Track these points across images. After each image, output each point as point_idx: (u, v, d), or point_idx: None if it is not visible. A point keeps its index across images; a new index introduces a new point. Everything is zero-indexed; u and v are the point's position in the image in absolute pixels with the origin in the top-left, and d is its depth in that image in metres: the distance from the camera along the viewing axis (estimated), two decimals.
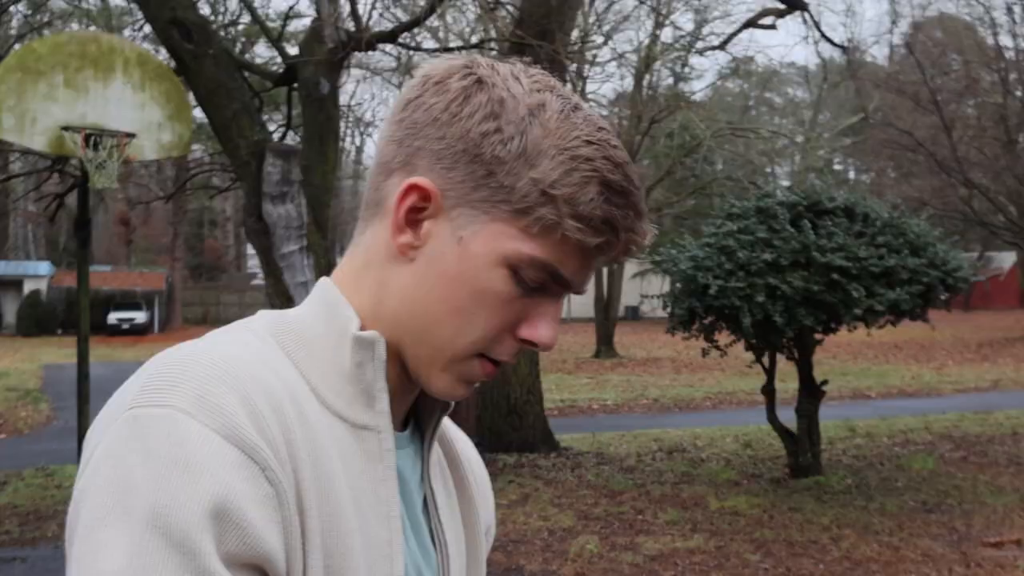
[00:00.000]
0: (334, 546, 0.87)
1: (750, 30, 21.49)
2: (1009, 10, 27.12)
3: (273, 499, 0.81)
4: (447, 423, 1.16)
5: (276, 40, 12.35)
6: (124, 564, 0.75)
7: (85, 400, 8.19)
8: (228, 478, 0.78)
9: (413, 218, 0.95)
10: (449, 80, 0.95)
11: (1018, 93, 25.16)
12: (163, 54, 11.62)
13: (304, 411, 0.89)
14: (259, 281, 46.23)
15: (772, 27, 19.93)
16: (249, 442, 0.81)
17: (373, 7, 12.88)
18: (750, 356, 9.69)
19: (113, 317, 41.75)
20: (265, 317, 0.99)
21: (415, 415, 1.07)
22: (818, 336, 9.42)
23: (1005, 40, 30.02)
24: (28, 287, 43.76)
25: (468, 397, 1.00)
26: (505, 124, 0.92)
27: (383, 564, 0.92)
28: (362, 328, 0.96)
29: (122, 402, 0.84)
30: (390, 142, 0.98)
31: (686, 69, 36.06)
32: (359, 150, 54.87)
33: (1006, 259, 52.10)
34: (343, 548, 0.88)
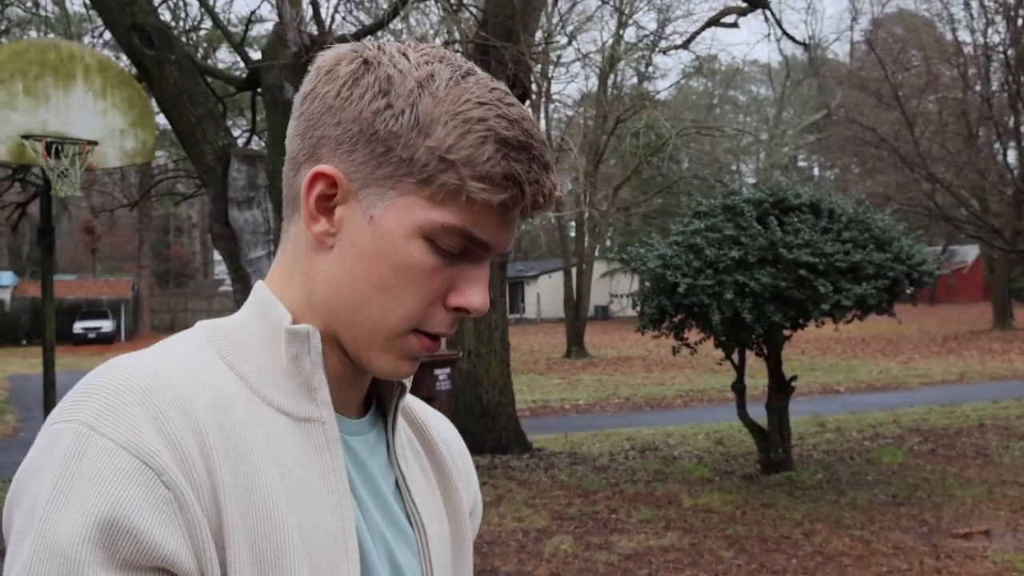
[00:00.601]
0: (266, 540, 0.88)
1: (713, 29, 21.64)
2: (967, 5, 27.45)
3: (172, 503, 0.82)
4: (422, 407, 1.18)
5: (239, 45, 12.26)
6: None
7: (52, 410, 8.09)
8: (120, 488, 0.80)
9: (324, 206, 0.96)
10: (338, 67, 0.97)
11: (978, 88, 25.44)
12: (124, 61, 11.51)
13: (231, 412, 0.90)
14: (227, 287, 45.94)
15: (734, 25, 20.08)
16: (146, 449, 0.82)
17: (336, 10, 12.84)
18: (720, 353, 9.74)
19: (79, 326, 41.32)
20: (202, 325, 1.01)
21: (376, 400, 1.08)
22: (787, 332, 9.48)
23: (964, 36, 30.42)
24: None
25: (413, 374, 1.02)
26: (395, 99, 0.93)
27: (337, 552, 0.93)
28: (295, 322, 0.97)
29: (50, 416, 0.88)
30: (294, 137, 0.99)
31: (650, 68, 36.27)
32: None
33: (970, 253, 52.76)
34: (277, 541, 0.89)
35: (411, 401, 1.16)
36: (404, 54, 0.96)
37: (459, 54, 1.01)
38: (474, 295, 0.96)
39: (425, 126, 0.92)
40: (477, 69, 0.97)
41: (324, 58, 0.99)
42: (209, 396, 0.89)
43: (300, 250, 0.99)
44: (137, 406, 0.84)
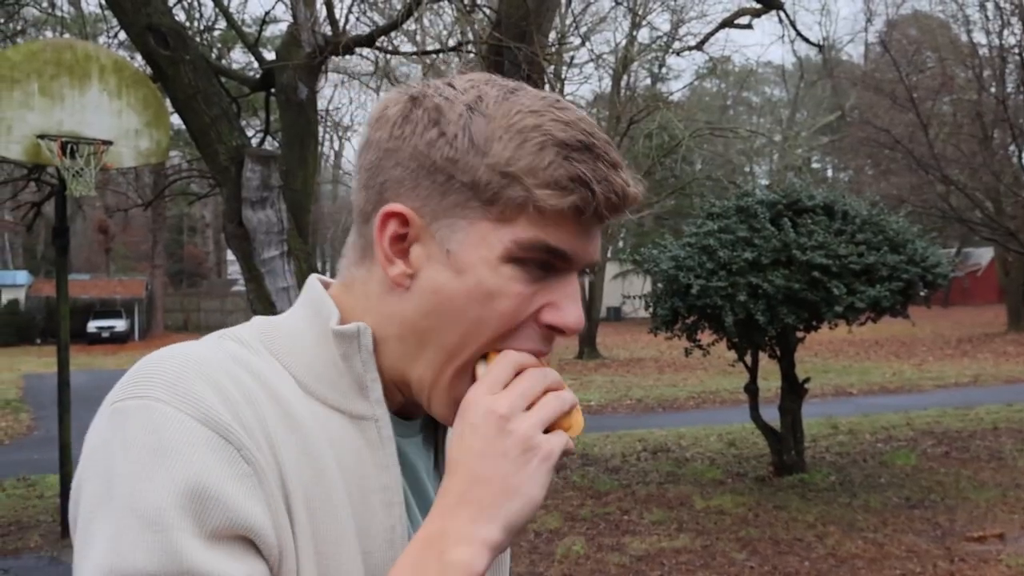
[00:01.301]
0: (325, 531, 0.89)
1: (726, 30, 21.59)
2: (982, 7, 27.32)
3: (252, 476, 0.83)
4: None
5: (253, 45, 12.28)
6: (106, 549, 0.79)
7: (66, 409, 8.13)
8: (204, 459, 0.81)
9: (399, 248, 0.95)
10: (386, 111, 0.97)
11: (993, 89, 25.32)
12: (139, 61, 11.55)
13: (288, 404, 0.91)
14: (240, 287, 46.05)
15: (748, 27, 20.03)
16: (223, 424, 0.83)
17: (350, 11, 12.84)
18: (733, 355, 9.71)
19: (93, 325, 41.47)
20: (255, 322, 1.01)
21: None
22: (800, 334, 9.45)
23: (979, 37, 30.23)
24: (6, 296, 43.45)
25: None
26: (446, 126, 0.93)
27: (385, 550, 0.94)
28: (343, 322, 0.97)
29: (108, 399, 0.87)
30: (360, 191, 0.99)
31: (664, 69, 36.17)
32: (338, 154, 54.85)
33: (984, 255, 52.48)
34: (335, 534, 0.90)
35: None
36: (450, 84, 0.96)
37: (475, 72, 1.01)
38: (569, 311, 0.94)
39: (480, 146, 0.91)
40: (525, 85, 0.97)
41: (375, 108, 1.00)
42: (266, 392, 0.90)
43: (372, 291, 0.98)
44: (202, 384, 0.85)
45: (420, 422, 1.05)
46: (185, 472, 0.80)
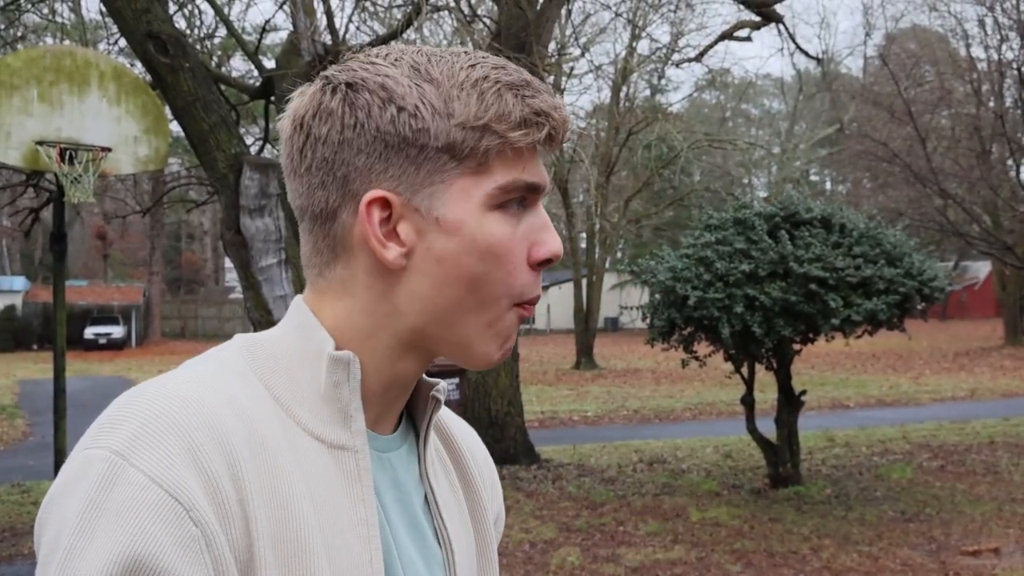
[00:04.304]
0: (298, 572, 0.88)
1: (726, 42, 21.59)
2: (981, 22, 27.39)
3: (198, 540, 0.82)
4: (448, 415, 1.17)
5: (253, 53, 12.30)
6: None
7: (61, 415, 8.11)
8: (147, 524, 0.80)
9: (387, 230, 0.95)
10: (321, 105, 0.95)
11: (991, 104, 25.37)
12: (139, 68, 11.56)
13: (263, 439, 0.90)
14: (237, 294, 46.03)
15: (747, 39, 20.04)
16: (176, 483, 0.82)
17: (350, 20, 12.87)
18: (729, 367, 9.72)
19: (90, 332, 41.39)
20: (238, 341, 1.00)
21: (408, 412, 1.07)
22: (796, 346, 9.46)
23: (977, 51, 30.32)
24: (3, 302, 43.35)
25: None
26: (401, 100, 0.93)
27: None
28: (338, 348, 0.96)
29: (81, 441, 0.87)
30: (311, 192, 0.97)
31: (663, 81, 36.32)
32: None
33: (982, 269, 52.53)
34: (308, 573, 0.89)
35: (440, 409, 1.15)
36: (373, 62, 0.96)
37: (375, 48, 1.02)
38: (552, 240, 0.98)
39: (441, 109, 0.93)
40: (431, 47, 0.98)
41: (295, 109, 0.97)
42: (242, 424, 0.89)
43: (361, 285, 0.97)
44: (170, 436, 0.84)
45: (401, 432, 1.05)
46: (124, 539, 0.79)
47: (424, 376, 1.05)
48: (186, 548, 0.81)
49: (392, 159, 0.93)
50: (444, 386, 1.07)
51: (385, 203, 0.94)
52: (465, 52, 0.97)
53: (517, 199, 0.95)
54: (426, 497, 1.05)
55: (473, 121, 0.92)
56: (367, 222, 0.94)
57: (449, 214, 0.93)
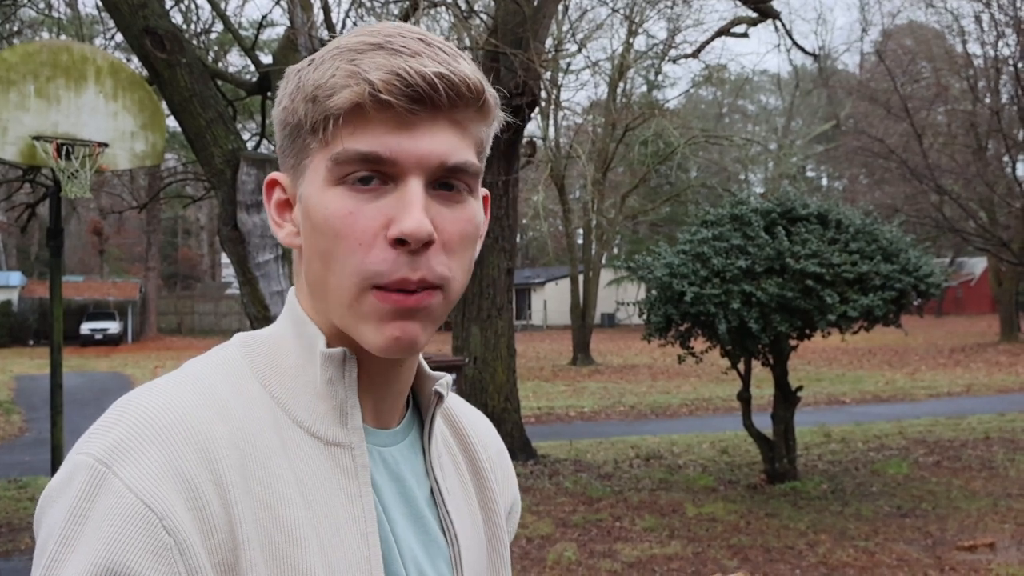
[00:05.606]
0: (288, 571, 0.88)
1: (723, 38, 21.60)
2: (977, 19, 27.39)
3: (171, 549, 0.82)
4: (460, 404, 1.17)
5: (249, 49, 12.29)
6: None
7: (58, 411, 8.11)
8: (121, 534, 0.81)
9: (286, 213, 0.99)
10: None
11: (987, 100, 25.41)
12: (135, 63, 11.56)
13: (255, 441, 0.91)
14: (234, 290, 46.01)
15: (744, 35, 20.04)
16: (152, 492, 0.83)
17: (347, 15, 12.85)
18: (726, 362, 9.73)
19: (86, 327, 41.35)
20: (238, 340, 1.01)
21: (413, 404, 1.07)
22: (793, 342, 9.47)
23: (974, 48, 30.39)
24: None
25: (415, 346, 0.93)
26: (283, 94, 0.96)
27: None
28: (329, 344, 0.97)
29: (76, 445, 0.89)
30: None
31: (660, 77, 36.28)
32: None
33: (977, 265, 52.64)
34: (300, 571, 0.89)
35: (451, 399, 1.15)
36: (309, 62, 0.96)
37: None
38: (407, 218, 0.88)
39: (304, 87, 0.93)
40: (381, 24, 0.98)
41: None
42: (229, 428, 0.90)
43: (300, 271, 1.01)
44: (153, 445, 0.85)
45: (405, 425, 1.04)
46: (100, 549, 0.80)
47: (429, 369, 1.05)
48: (158, 556, 0.82)
49: (285, 144, 0.97)
50: (449, 380, 1.06)
51: (274, 182, 1.00)
52: (382, 27, 0.93)
53: (358, 174, 0.90)
54: (432, 490, 1.05)
55: (308, 94, 0.92)
56: (266, 202, 1.00)
57: (303, 191, 0.95)
